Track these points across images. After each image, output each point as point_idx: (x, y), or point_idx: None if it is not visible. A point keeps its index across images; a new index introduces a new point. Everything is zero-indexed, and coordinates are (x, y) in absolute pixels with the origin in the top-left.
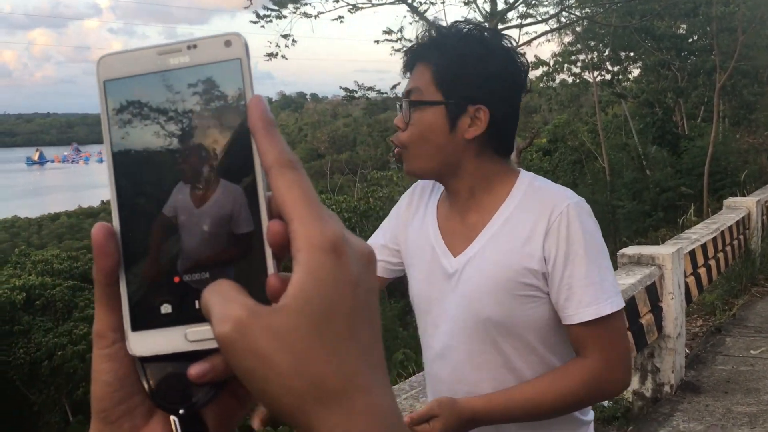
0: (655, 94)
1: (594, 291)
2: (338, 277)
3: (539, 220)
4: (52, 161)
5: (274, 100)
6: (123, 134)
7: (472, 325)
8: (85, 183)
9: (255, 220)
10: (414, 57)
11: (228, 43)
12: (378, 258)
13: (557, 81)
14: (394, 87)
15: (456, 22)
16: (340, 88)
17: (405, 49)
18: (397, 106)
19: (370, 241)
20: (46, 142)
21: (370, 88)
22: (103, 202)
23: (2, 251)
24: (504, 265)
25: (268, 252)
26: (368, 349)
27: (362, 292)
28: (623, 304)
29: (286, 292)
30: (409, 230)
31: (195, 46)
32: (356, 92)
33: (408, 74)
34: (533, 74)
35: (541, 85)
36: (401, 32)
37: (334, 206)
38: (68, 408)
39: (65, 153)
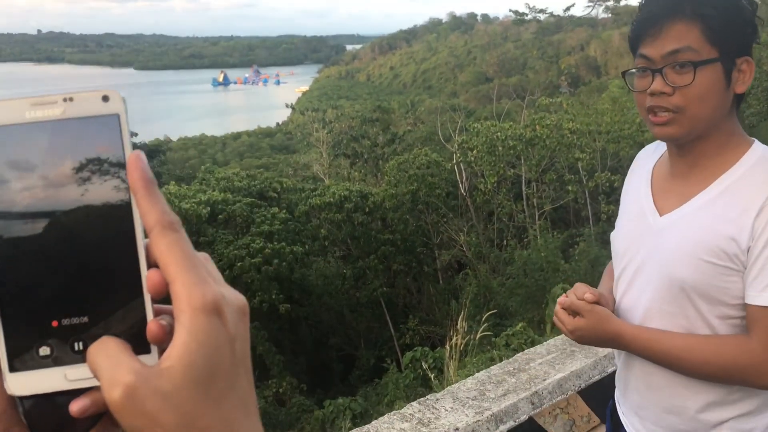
0: None
1: None
2: (219, 337)
3: (758, 195)
4: (235, 83)
5: (443, 21)
6: None
7: (665, 284)
8: (264, 104)
9: (134, 267)
10: (667, 13)
11: (106, 98)
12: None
13: None
14: (568, 9)
15: None
16: (510, 11)
17: (648, 5)
18: (648, 71)
19: None
20: (230, 65)
21: (542, 11)
22: (278, 123)
23: (191, 167)
24: (712, 231)
25: (147, 298)
26: (245, 397)
27: (239, 345)
28: None
29: (170, 353)
30: (625, 190)
31: (71, 99)
32: (527, 14)
33: (649, 30)
34: None
35: None
36: None
37: (499, 133)
38: None
39: (246, 75)
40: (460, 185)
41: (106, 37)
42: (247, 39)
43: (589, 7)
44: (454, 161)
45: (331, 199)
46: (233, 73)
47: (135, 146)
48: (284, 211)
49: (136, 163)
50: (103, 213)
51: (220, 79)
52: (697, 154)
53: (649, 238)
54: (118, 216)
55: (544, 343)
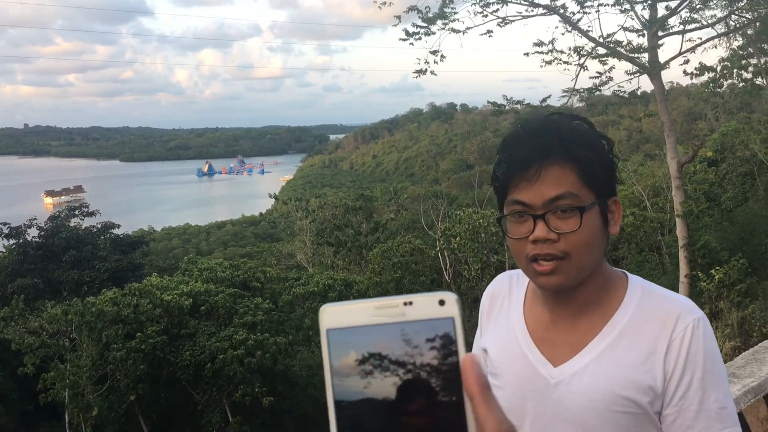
0: None
1: (708, 419)
2: None
3: (661, 334)
4: (220, 172)
5: (424, 111)
6: (343, 377)
7: None
8: (248, 193)
9: None
10: (538, 156)
11: (442, 302)
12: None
13: (725, 87)
14: (544, 100)
15: (554, 113)
16: (488, 102)
17: (526, 147)
18: (528, 217)
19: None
20: (215, 155)
21: (519, 102)
22: (261, 213)
23: (174, 257)
24: (621, 379)
25: None
26: None
27: None
28: None
29: None
30: (491, 337)
31: (411, 303)
32: (504, 106)
33: (524, 175)
34: (698, 80)
35: (707, 90)
36: (552, 44)
37: (481, 220)
38: (228, 409)
39: (231, 165)
40: (444, 272)
41: (93, 130)
42: (232, 130)
43: (564, 97)
44: (438, 248)
45: (315, 288)
46: (218, 164)
47: (118, 237)
48: (267, 301)
49: (472, 367)
50: (437, 407)
51: (205, 169)
52: (581, 301)
53: (547, 393)
54: (450, 413)
55: None
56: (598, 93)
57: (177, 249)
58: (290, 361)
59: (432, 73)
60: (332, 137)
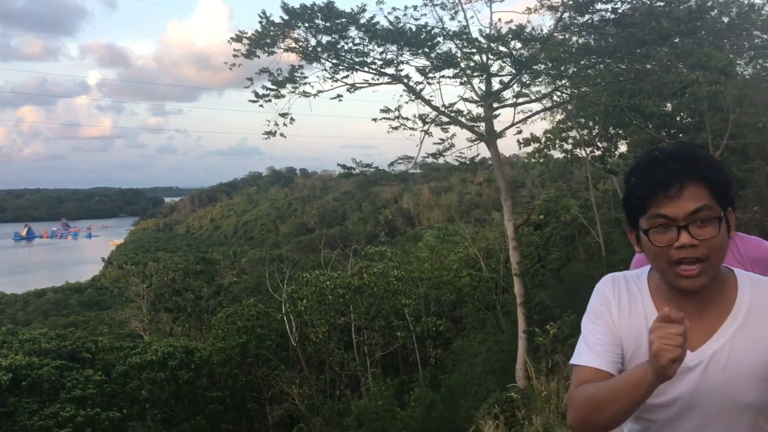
0: None
1: None
2: None
3: None
4: (41, 237)
5: (264, 174)
6: None
7: (729, 412)
8: (74, 259)
9: None
10: (679, 177)
11: None
12: (611, 355)
13: (548, 156)
14: (392, 164)
15: (681, 143)
16: (338, 165)
17: (666, 170)
18: (673, 228)
19: (594, 342)
20: (36, 218)
21: (368, 165)
22: (91, 279)
23: None
24: (758, 351)
25: None
26: None
27: None
28: None
29: None
30: (626, 329)
31: None
32: (354, 169)
33: (666, 192)
34: (525, 150)
35: (533, 160)
36: (399, 111)
37: (328, 282)
38: None
39: (54, 228)
40: (291, 336)
41: None
42: (56, 191)
43: (401, 163)
44: (284, 311)
45: (154, 357)
46: (39, 227)
47: None
48: (99, 372)
49: None
50: None
51: (24, 233)
52: (706, 295)
53: (688, 375)
54: None
55: None
56: (441, 158)
57: None
58: None
59: (282, 135)
60: (167, 200)
